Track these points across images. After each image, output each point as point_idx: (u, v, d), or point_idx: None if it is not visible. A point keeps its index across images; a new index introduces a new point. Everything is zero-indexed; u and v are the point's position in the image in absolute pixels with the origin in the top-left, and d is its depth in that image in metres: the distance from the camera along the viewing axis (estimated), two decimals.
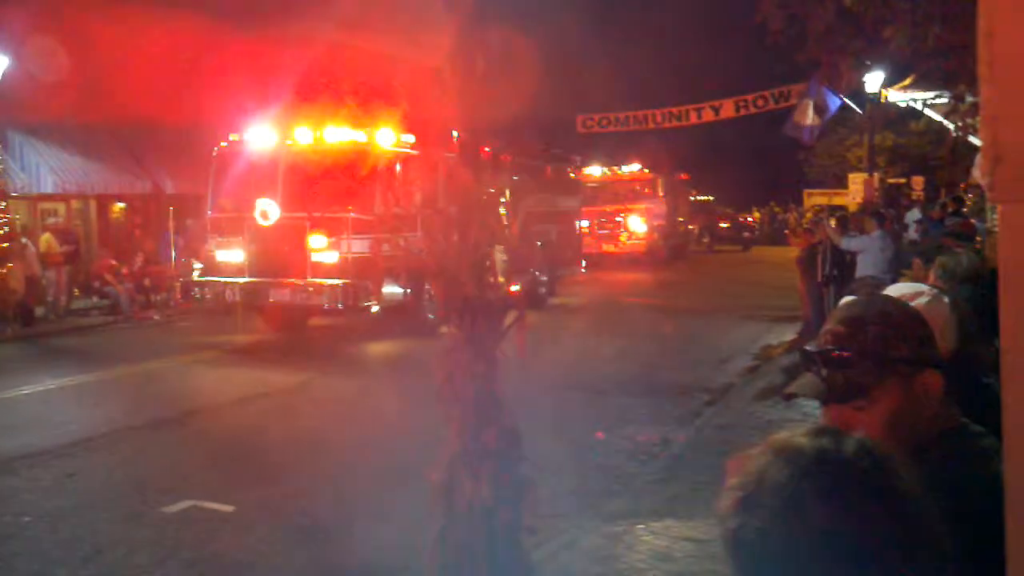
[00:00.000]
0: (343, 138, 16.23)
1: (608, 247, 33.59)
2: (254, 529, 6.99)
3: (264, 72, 19.37)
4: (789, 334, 15.60)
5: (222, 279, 16.25)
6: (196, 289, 16.73)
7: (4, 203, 19.05)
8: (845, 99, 24.87)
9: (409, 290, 16.39)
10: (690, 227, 44.39)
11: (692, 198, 46.80)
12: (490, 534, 4.23)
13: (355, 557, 6.35)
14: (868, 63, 21.48)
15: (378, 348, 16.27)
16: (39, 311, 19.99)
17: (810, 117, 23.68)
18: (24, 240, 20.05)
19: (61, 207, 23.22)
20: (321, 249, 15.70)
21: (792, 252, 19.10)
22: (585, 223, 32.49)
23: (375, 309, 16.06)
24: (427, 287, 16.36)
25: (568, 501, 7.24)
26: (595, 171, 35.16)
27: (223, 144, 17.16)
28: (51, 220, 22.85)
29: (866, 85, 24.41)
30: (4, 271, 18.97)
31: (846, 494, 1.32)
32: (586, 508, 7.17)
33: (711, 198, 51.69)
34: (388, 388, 11.96)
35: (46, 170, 20.99)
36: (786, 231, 20.38)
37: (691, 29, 47.52)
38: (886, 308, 2.06)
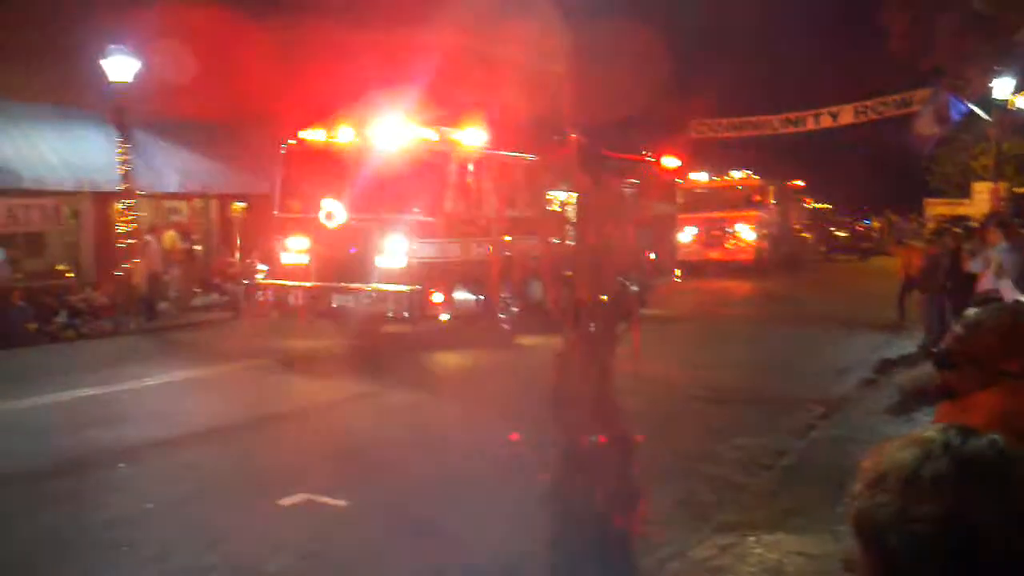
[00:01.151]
0: (414, 137, 15.49)
1: (713, 254, 32.78)
2: (365, 525, 7.10)
3: (363, 71, 19.52)
4: (910, 347, 15.15)
5: (286, 282, 15.57)
6: (260, 292, 15.98)
7: (131, 201, 19.77)
8: (972, 106, 24.12)
9: (482, 297, 15.85)
10: (805, 236, 43.47)
11: (809, 206, 45.82)
12: (601, 539, 4.22)
13: (465, 557, 6.39)
14: (997, 68, 20.81)
15: (454, 358, 15.66)
16: (161, 306, 20.69)
17: (932, 126, 23.03)
18: (148, 238, 20.79)
19: (184, 206, 23.98)
20: (387, 253, 14.91)
21: (894, 263, 18.66)
22: (693, 229, 32.15)
23: (445, 317, 15.34)
24: (502, 294, 16.23)
25: (678, 510, 7.18)
26: (702, 177, 34.45)
27: (291, 141, 16.49)
28: (174, 218, 23.65)
29: (994, 91, 23.59)
30: (128, 267, 19.70)
31: (968, 478, 1.33)
32: (696, 518, 7.09)
33: (829, 206, 50.53)
34: (486, 395, 12.02)
35: (171, 170, 21.67)
36: (902, 242, 19.78)
37: (810, 33, 46.60)
38: (1006, 319, 2.01)
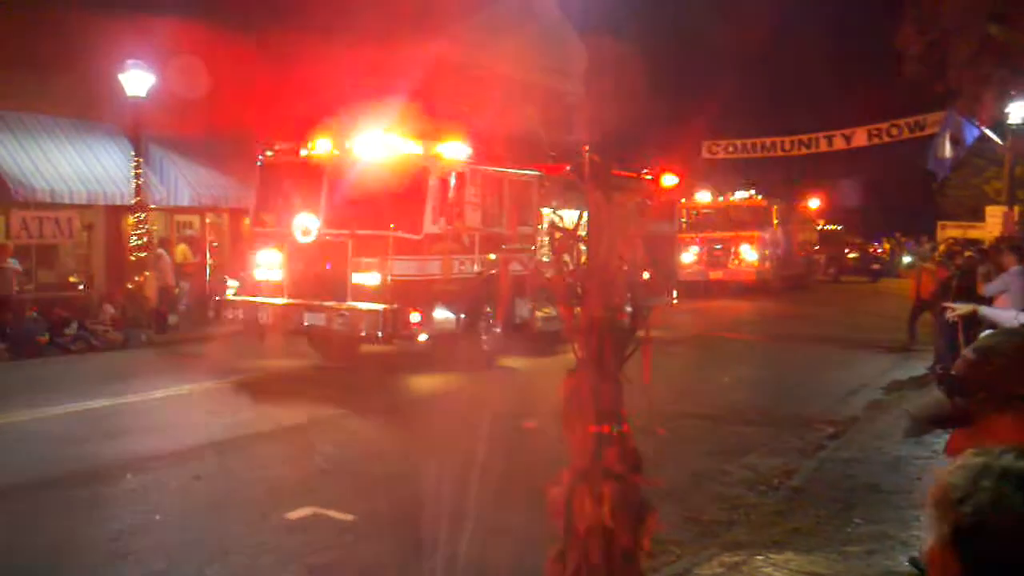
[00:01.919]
0: (394, 150, 14.80)
1: (715, 275, 32.57)
2: (373, 539, 7.11)
3: (370, 83, 19.41)
4: (920, 369, 15.11)
5: (257, 299, 14.98)
6: (229, 309, 15.45)
7: (143, 214, 19.88)
8: (985, 130, 24.11)
9: (463, 316, 15.14)
10: (817, 257, 43.38)
11: (821, 227, 45.74)
12: (608, 556, 4.21)
13: (471, 573, 6.38)
14: (1012, 92, 20.80)
15: (427, 381, 14.74)
16: (172, 319, 20.75)
17: (947, 150, 23.02)
18: (160, 251, 20.89)
19: (196, 219, 24.07)
20: (362, 270, 14.28)
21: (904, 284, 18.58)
22: (696, 249, 32.22)
23: (423, 338, 14.66)
24: (487, 312, 15.65)
25: (687, 528, 7.17)
26: (706, 197, 34.42)
27: (268, 153, 15.90)
28: (187, 232, 23.74)
29: (1009, 116, 23.57)
30: (140, 280, 19.79)
31: None
32: (704, 535, 7.08)
33: (840, 227, 50.42)
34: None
35: (183, 183, 21.77)
36: (918, 264, 19.70)
37: (823, 55, 46.69)
38: (1019, 343, 2.01)
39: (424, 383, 14.67)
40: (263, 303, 14.85)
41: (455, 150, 15.32)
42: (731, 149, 37.04)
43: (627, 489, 4.26)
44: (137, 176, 19.49)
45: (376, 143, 14.76)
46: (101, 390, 12.92)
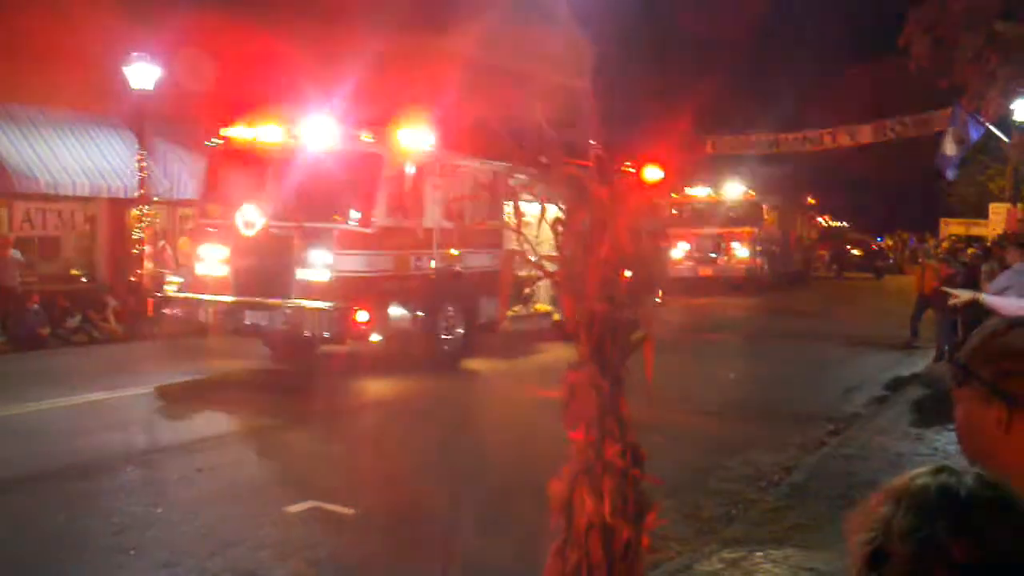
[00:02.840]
0: (345, 137, 13.97)
1: (705, 271, 32.19)
2: (373, 533, 7.11)
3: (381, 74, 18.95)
4: (920, 365, 15.12)
5: (198, 296, 14.06)
6: (168, 306, 14.52)
7: (146, 207, 19.89)
8: (990, 126, 24.06)
9: (421, 313, 14.21)
10: (821, 253, 43.32)
11: (826, 223, 45.62)
12: (608, 552, 4.22)
13: (471, 567, 6.39)
14: (1017, 89, 20.75)
15: (378, 385, 13.81)
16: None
17: (952, 147, 22.98)
18: (162, 243, 20.91)
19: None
20: (308, 266, 13.35)
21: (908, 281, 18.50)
22: (686, 245, 31.91)
23: (376, 338, 13.78)
24: (447, 311, 14.73)
25: (685, 524, 7.17)
26: (698, 192, 34.01)
27: (215, 140, 15.02)
28: (189, 225, 23.75)
29: (1014, 112, 23.54)
30: (142, 272, 19.81)
31: (977, 527, 1.29)
32: (704, 532, 7.08)
33: (844, 224, 50.32)
34: (503, 407, 12.03)
35: (187, 176, 21.78)
36: (921, 261, 19.64)
37: (828, 52, 46.65)
38: (999, 329, 1.95)
39: (371, 388, 13.77)
40: (204, 300, 13.95)
41: (415, 139, 14.34)
42: (735, 144, 36.98)
43: (628, 485, 4.26)
44: (141, 169, 19.49)
45: (326, 129, 13.91)
46: (102, 382, 12.91)
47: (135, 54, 18.80)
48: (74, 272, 21.21)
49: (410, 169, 14.23)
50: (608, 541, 4.22)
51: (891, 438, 10.09)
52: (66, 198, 19.69)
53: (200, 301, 13.96)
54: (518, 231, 4.36)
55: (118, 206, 21.00)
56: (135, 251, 19.95)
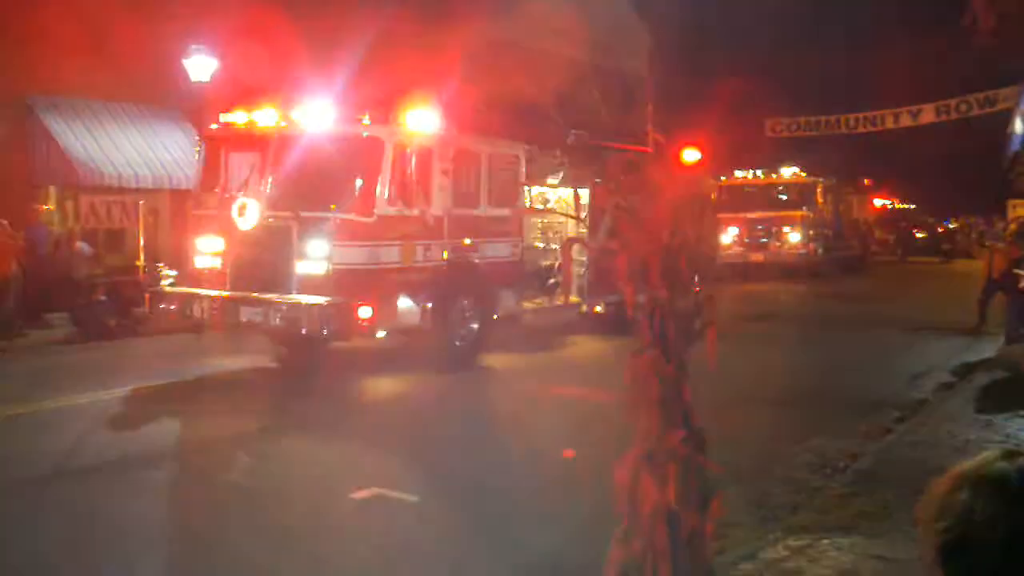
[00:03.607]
0: (344, 120, 13.13)
1: (757, 257, 31.05)
2: (437, 520, 7.14)
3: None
4: (988, 351, 14.81)
5: (193, 291, 13.33)
6: (163, 302, 13.61)
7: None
8: None
9: (430, 305, 13.28)
10: (884, 237, 42.47)
11: (892, 206, 44.68)
12: (673, 539, 4.19)
13: (535, 554, 6.40)
14: None
15: (386, 384, 13.19)
16: None
17: (1021, 126, 22.46)
18: None
19: None
20: (306, 258, 12.57)
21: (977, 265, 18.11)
22: (735, 230, 30.83)
23: (381, 335, 13.06)
24: (460, 305, 13.82)
25: (750, 511, 7.11)
26: (748, 174, 32.81)
27: (212, 126, 14.41)
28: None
29: None
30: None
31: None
32: (769, 519, 7.02)
33: (911, 207, 49.14)
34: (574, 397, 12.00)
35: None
36: (989, 244, 19.18)
37: (888, 29, 45.76)
38: None
39: (377, 387, 13.17)
40: (199, 296, 13.20)
41: (420, 121, 13.46)
42: (794, 127, 36.51)
43: (691, 471, 4.23)
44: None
45: (324, 112, 13.08)
46: (167, 371, 13.11)
47: (193, 46, 19.03)
48: (138, 264, 21.55)
49: (414, 153, 13.30)
50: (673, 528, 4.19)
51: (959, 425, 9.90)
52: (130, 190, 20.02)
53: (195, 296, 13.26)
54: (577, 218, 4.33)
55: (180, 198, 21.27)
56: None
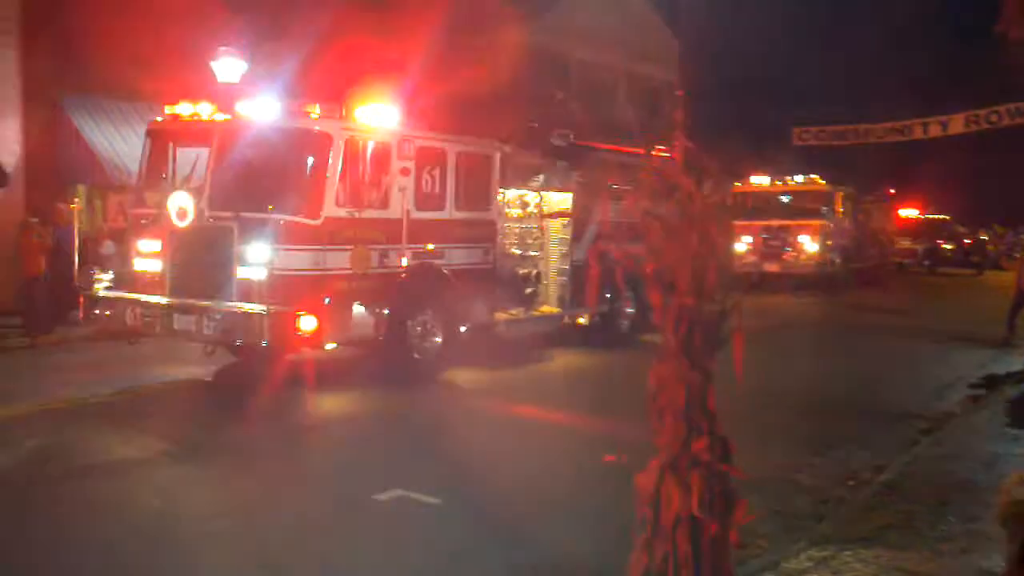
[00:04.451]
0: (290, 113, 12.21)
1: (771, 267, 29.93)
2: (460, 522, 7.13)
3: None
4: (1017, 363, 14.67)
5: (128, 296, 12.46)
6: (97, 308, 12.72)
7: None
8: None
9: (387, 311, 12.41)
10: (911, 247, 41.73)
11: (921, 216, 43.97)
12: (696, 547, 4.18)
13: (557, 558, 6.39)
14: None
15: (329, 401, 11.86)
16: None
17: None
18: None
19: None
20: (245, 263, 11.51)
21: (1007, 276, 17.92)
22: (748, 239, 29.93)
23: (331, 347, 12.32)
24: (423, 315, 12.94)
25: (773, 521, 7.07)
26: (764, 181, 31.71)
27: (157, 119, 13.52)
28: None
29: None
30: None
31: None
32: (792, 529, 6.97)
33: (945, 217, 48.07)
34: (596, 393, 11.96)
35: None
36: (1019, 255, 18.95)
37: (917, 37, 45.50)
38: None
39: (316, 404, 12.01)
40: (132, 301, 12.34)
41: (377, 116, 12.51)
42: (822, 136, 36.31)
43: (715, 479, 4.22)
44: None
45: (269, 105, 12.20)
46: (194, 369, 13.16)
47: (222, 48, 19.12)
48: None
49: (368, 151, 12.32)
50: (696, 535, 4.18)
51: (986, 438, 9.82)
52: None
53: (128, 301, 12.38)
54: (605, 223, 4.32)
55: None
56: None
